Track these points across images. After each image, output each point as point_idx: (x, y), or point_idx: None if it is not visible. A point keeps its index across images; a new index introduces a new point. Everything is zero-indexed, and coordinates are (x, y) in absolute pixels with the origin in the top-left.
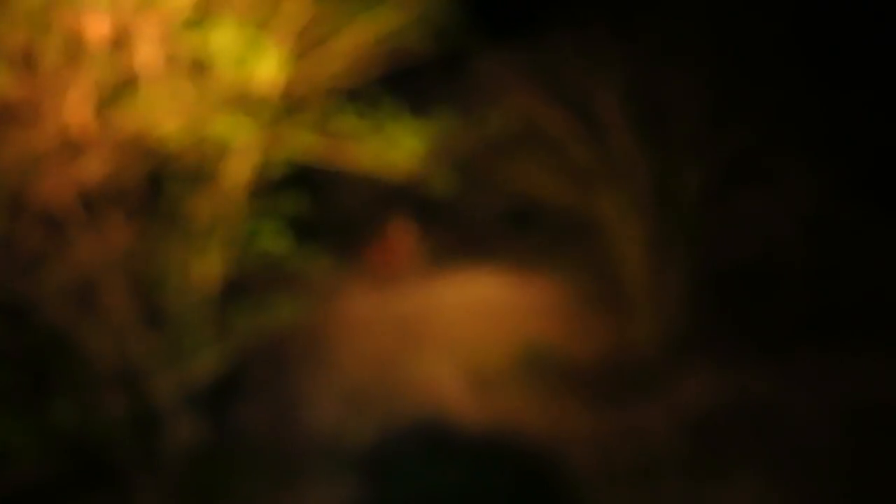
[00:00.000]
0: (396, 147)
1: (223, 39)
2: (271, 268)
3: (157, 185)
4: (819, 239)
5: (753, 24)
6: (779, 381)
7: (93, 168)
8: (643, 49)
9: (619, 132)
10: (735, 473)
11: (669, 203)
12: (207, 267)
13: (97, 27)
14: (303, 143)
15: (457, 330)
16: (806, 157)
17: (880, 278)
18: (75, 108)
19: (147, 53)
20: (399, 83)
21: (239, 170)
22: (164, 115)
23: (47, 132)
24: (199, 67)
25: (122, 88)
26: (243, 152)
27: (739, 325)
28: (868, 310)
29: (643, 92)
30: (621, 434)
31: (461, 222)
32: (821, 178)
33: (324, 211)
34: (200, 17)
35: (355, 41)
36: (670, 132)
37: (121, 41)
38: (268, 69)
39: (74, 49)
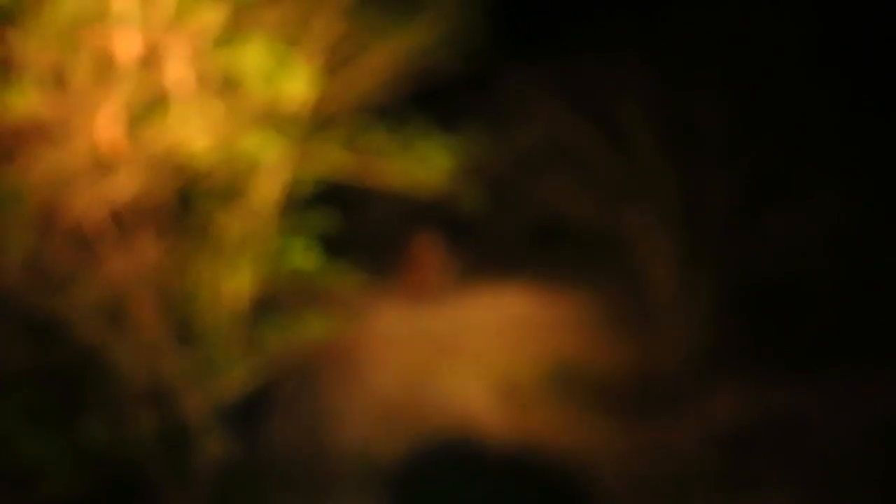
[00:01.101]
0: (425, 164)
1: (253, 57)
2: (301, 284)
3: (188, 203)
4: (847, 254)
5: (781, 39)
6: (807, 396)
7: (123, 185)
8: (670, 64)
9: (647, 148)
10: (764, 489)
11: (697, 219)
12: (238, 284)
13: (127, 46)
14: (332, 159)
15: (486, 346)
16: (834, 173)
17: None
18: (106, 125)
19: (177, 71)
20: (428, 100)
21: (269, 187)
22: (194, 132)
23: (78, 150)
24: (229, 85)
25: (152, 106)
26: (273, 169)
27: (767, 341)
28: None
29: (670, 107)
30: (650, 449)
31: (489, 239)
32: (849, 193)
33: (353, 227)
34: (230, 35)
35: (385, 59)
36: (698, 148)
37: (151, 59)
38: (297, 86)
39: (105, 67)
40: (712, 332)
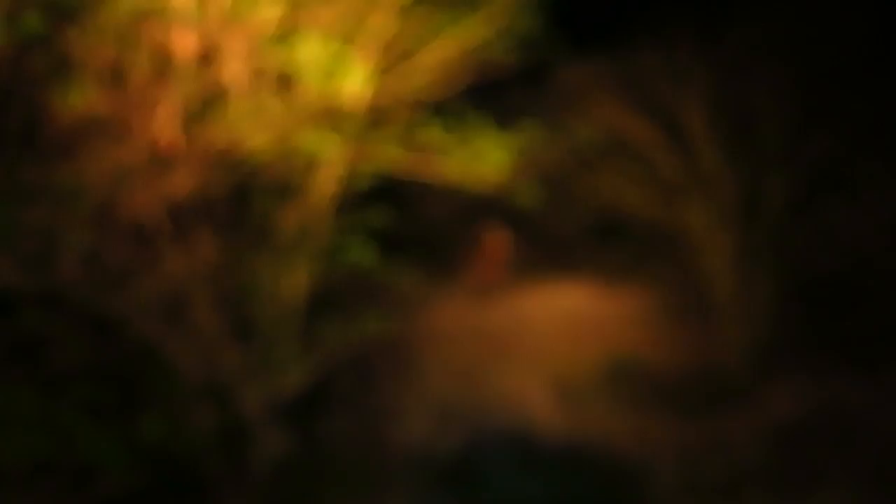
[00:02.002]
0: (482, 160)
1: (309, 54)
2: (359, 280)
3: (245, 199)
4: None
5: (839, 34)
6: (867, 393)
7: (181, 182)
8: (728, 59)
9: (705, 143)
10: (822, 487)
11: (756, 214)
12: (295, 280)
13: (185, 43)
14: (389, 156)
15: (543, 342)
16: (891, 167)
17: None
18: (163, 123)
19: (234, 68)
20: (484, 95)
21: (325, 183)
22: (251, 129)
23: (136, 147)
24: (285, 82)
25: (209, 103)
26: (330, 166)
27: (827, 337)
28: None
29: (729, 102)
30: (707, 446)
31: (547, 235)
32: None
33: (411, 224)
34: (287, 32)
35: (441, 54)
36: (756, 143)
37: (208, 56)
38: (354, 83)
39: (162, 64)
40: (771, 328)
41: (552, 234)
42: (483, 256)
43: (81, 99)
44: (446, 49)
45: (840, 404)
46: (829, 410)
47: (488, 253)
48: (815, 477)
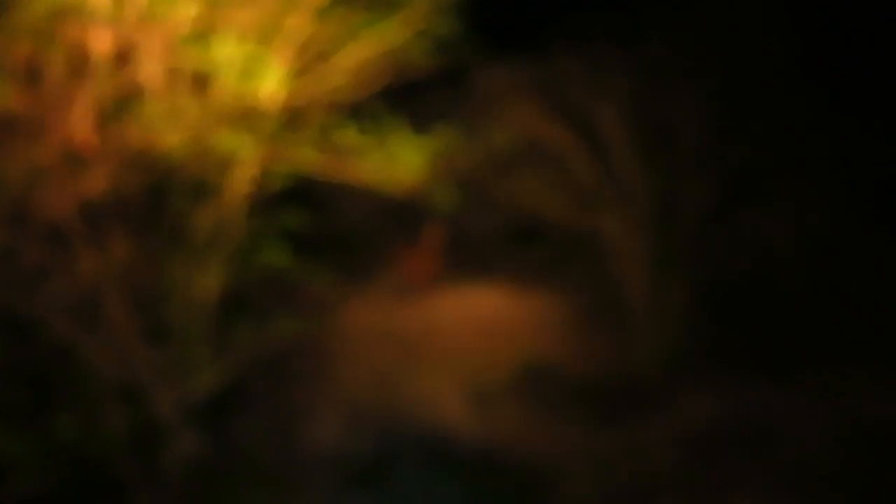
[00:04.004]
0: (398, 162)
1: (225, 54)
2: (272, 282)
3: (159, 199)
4: (820, 258)
5: (757, 42)
6: (779, 399)
7: (95, 182)
8: (646, 66)
9: (622, 149)
10: (734, 492)
11: (671, 221)
12: (209, 281)
13: (101, 41)
14: (304, 157)
15: (457, 345)
16: (808, 176)
17: (881, 297)
18: (78, 121)
19: (150, 68)
20: (400, 98)
21: (240, 184)
22: (166, 129)
23: (50, 145)
24: (201, 82)
25: (125, 102)
26: (245, 166)
27: (740, 344)
28: (868, 328)
29: (646, 109)
30: (620, 452)
31: (463, 238)
32: (822, 196)
33: (326, 225)
34: (203, 32)
35: (357, 56)
36: (673, 149)
37: (124, 55)
38: (270, 84)
39: (78, 63)
40: (684, 335)
41: (468, 238)
42: (416, 251)
43: None
44: (363, 51)
45: (752, 410)
46: (741, 416)
47: (423, 247)
48: (728, 482)
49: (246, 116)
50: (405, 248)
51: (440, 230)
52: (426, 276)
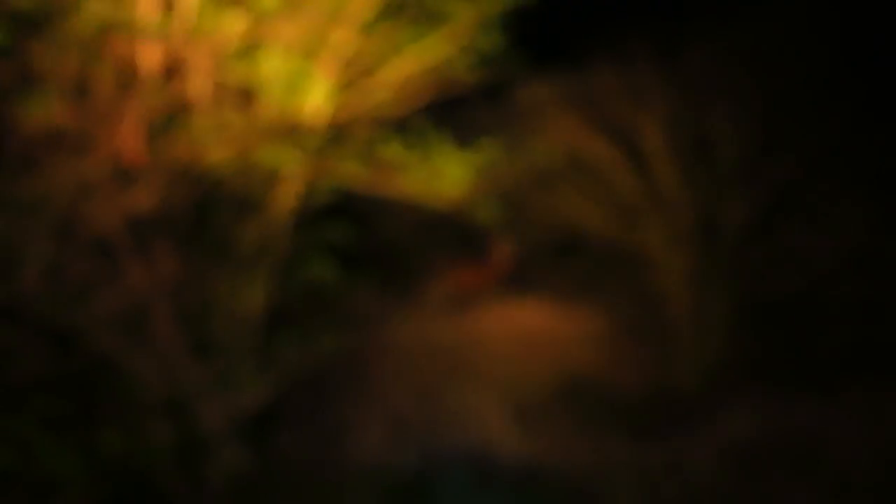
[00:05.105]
0: (441, 177)
1: (272, 69)
2: (317, 296)
3: (205, 213)
4: (863, 272)
5: (798, 56)
6: (822, 415)
7: (143, 196)
8: (688, 80)
9: (663, 163)
10: None
11: (713, 235)
12: (254, 295)
13: (149, 57)
14: (349, 171)
15: (500, 360)
16: (851, 190)
17: None
18: (126, 136)
19: (197, 82)
20: (444, 112)
21: (285, 198)
22: (213, 143)
23: (99, 160)
24: (247, 96)
25: (172, 117)
26: (290, 181)
27: (783, 359)
28: None
29: (688, 123)
30: (663, 466)
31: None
32: (866, 211)
33: (369, 240)
34: (250, 48)
35: (402, 71)
36: (715, 164)
37: (172, 70)
38: (315, 98)
39: (126, 78)
40: (726, 349)
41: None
42: (471, 264)
43: (45, 111)
44: (408, 66)
45: (796, 424)
46: (784, 431)
47: (490, 261)
48: (772, 498)
49: (291, 131)
50: (456, 261)
51: (507, 246)
52: (477, 289)
